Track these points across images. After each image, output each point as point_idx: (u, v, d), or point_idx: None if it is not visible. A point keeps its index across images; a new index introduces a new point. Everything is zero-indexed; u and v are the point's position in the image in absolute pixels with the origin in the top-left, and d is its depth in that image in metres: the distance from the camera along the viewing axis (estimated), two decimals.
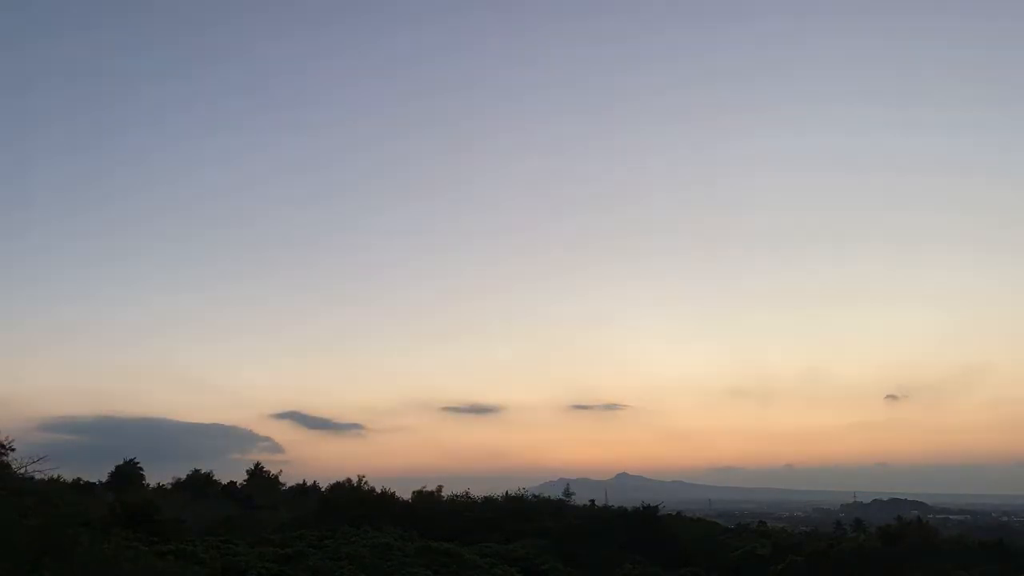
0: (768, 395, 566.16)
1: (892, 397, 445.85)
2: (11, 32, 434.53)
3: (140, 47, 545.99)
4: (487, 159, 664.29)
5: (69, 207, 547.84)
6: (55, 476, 40.10)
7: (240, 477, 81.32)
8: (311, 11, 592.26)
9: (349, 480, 72.58)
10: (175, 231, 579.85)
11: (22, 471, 30.07)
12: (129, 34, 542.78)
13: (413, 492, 71.55)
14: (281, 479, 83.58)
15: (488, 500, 67.84)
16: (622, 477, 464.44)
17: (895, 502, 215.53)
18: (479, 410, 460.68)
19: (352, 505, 62.35)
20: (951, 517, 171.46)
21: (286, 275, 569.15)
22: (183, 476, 78.46)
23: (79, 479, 68.05)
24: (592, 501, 73.69)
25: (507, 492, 69.07)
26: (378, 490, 69.95)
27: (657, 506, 64.28)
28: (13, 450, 31.77)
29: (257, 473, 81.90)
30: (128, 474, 74.28)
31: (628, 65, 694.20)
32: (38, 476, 31.26)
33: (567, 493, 68.23)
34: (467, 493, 69.56)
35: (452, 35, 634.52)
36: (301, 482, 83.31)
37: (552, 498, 69.76)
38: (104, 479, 74.33)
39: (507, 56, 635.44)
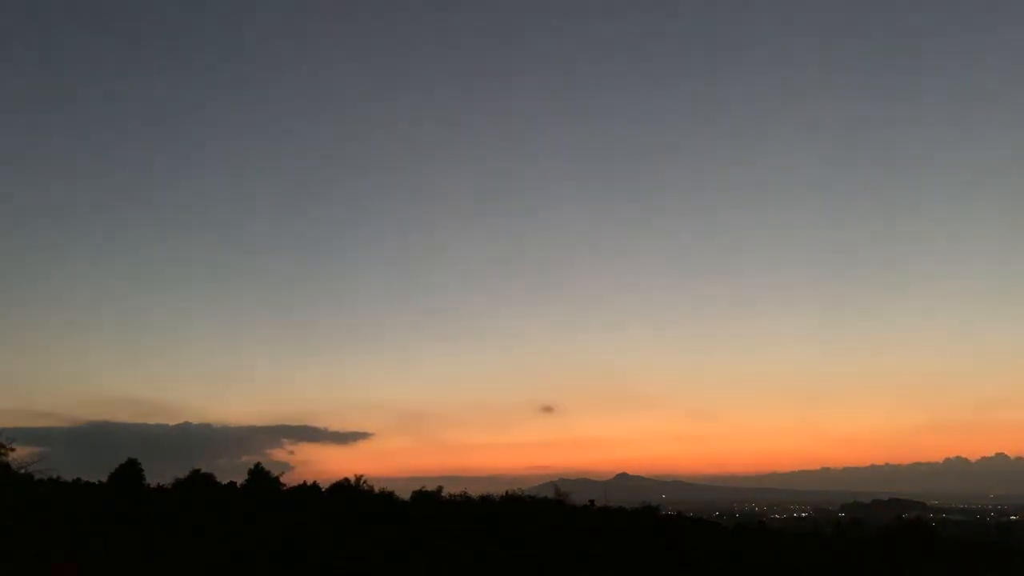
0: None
1: None
2: None
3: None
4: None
5: (78, 212, 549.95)
6: (55, 476, 40.10)
7: (240, 478, 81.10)
8: None
9: (349, 481, 72.51)
10: (181, 237, 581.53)
11: (22, 471, 30.07)
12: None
13: (413, 492, 71.48)
14: (282, 480, 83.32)
15: (487, 500, 67.71)
16: (622, 477, 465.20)
17: (895, 502, 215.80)
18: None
19: (353, 505, 62.30)
20: (951, 517, 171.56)
21: (290, 286, 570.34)
22: (183, 476, 78.20)
23: (79, 479, 67.94)
24: (592, 501, 73.42)
25: (506, 492, 69.06)
26: (377, 490, 69.95)
27: (657, 506, 64.19)
28: (13, 450, 31.76)
29: (258, 474, 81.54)
30: (128, 474, 73.96)
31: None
32: (38, 476, 31.28)
33: (558, 493, 67.76)
34: (465, 493, 69.52)
35: None
36: (302, 483, 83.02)
37: (551, 498, 69.55)
38: (104, 479, 74.09)
39: None
